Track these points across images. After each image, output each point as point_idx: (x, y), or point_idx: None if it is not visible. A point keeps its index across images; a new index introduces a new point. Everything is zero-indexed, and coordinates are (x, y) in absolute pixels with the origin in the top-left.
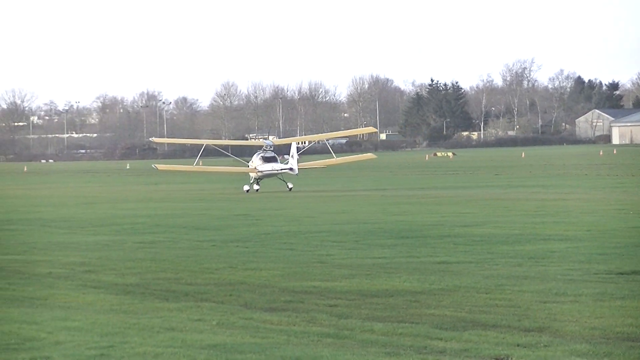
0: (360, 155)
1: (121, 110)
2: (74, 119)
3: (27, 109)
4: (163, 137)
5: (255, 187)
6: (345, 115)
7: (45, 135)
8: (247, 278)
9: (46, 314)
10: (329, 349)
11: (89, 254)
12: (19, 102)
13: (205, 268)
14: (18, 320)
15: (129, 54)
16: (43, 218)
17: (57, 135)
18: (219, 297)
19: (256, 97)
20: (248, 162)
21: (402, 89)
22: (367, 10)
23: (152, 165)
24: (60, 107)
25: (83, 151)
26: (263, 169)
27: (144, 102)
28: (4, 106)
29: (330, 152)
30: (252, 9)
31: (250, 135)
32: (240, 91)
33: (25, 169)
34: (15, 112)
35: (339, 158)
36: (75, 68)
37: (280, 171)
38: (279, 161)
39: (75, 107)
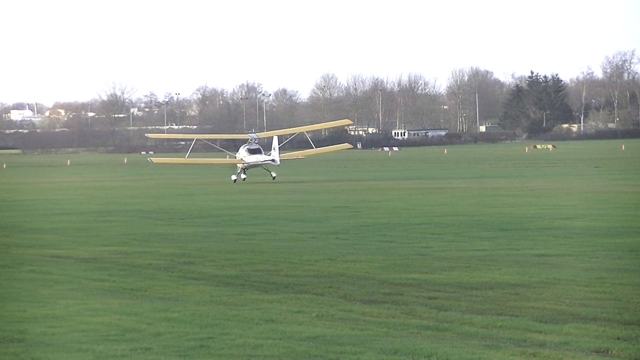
0: (337, 145)
1: (221, 102)
2: (174, 110)
3: (127, 100)
4: (263, 130)
5: (243, 176)
6: (445, 107)
7: (145, 127)
8: (346, 270)
9: (146, 305)
10: (428, 342)
11: (189, 246)
12: (119, 94)
13: (305, 260)
14: (118, 311)
15: (229, 46)
16: (143, 209)
17: (157, 127)
18: (319, 289)
19: (356, 89)
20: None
21: (501, 81)
22: (467, 1)
23: (148, 159)
24: (161, 99)
25: (183, 143)
26: (249, 160)
27: (243, 94)
28: (105, 98)
29: (310, 144)
30: (349, 1)
31: (350, 127)
32: (339, 83)
33: (125, 161)
34: (116, 104)
35: (318, 149)
36: (176, 60)
37: (263, 162)
38: (263, 153)
39: (175, 99)
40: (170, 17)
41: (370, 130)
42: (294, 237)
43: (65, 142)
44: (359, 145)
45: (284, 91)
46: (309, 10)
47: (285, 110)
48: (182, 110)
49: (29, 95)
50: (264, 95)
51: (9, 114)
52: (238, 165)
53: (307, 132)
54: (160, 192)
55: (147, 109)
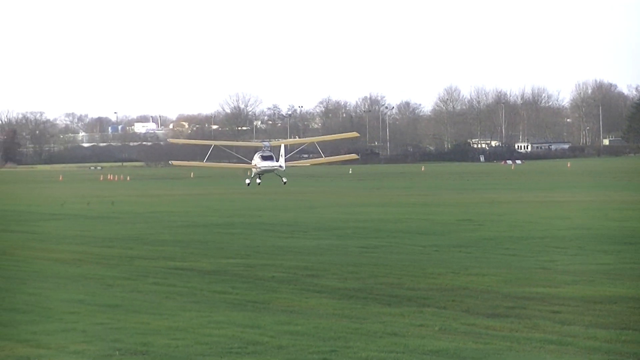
0: (344, 155)
1: (344, 115)
2: (297, 123)
3: (250, 113)
4: (385, 142)
5: (257, 180)
6: (568, 120)
7: (268, 140)
8: (469, 283)
9: (269, 318)
10: (551, 356)
11: (312, 258)
12: (242, 106)
13: (428, 273)
14: (241, 324)
15: (353, 58)
16: (265, 222)
17: (280, 139)
18: (441, 302)
19: (479, 102)
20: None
21: (625, 94)
22: (591, 14)
23: (169, 162)
24: (284, 112)
25: (306, 155)
26: (261, 166)
27: (366, 106)
28: (228, 111)
29: (320, 153)
30: (474, 14)
31: (472, 140)
32: (463, 96)
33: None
34: (239, 116)
35: (327, 158)
36: (299, 72)
37: (273, 167)
38: (274, 159)
39: (298, 111)
40: (293, 30)
41: (493, 143)
42: (417, 250)
43: (189, 155)
44: (481, 159)
45: (407, 104)
46: (433, 22)
47: (408, 123)
48: (305, 123)
49: (153, 107)
50: (387, 108)
51: (132, 127)
52: (252, 170)
53: (318, 142)
54: (283, 204)
55: (270, 122)
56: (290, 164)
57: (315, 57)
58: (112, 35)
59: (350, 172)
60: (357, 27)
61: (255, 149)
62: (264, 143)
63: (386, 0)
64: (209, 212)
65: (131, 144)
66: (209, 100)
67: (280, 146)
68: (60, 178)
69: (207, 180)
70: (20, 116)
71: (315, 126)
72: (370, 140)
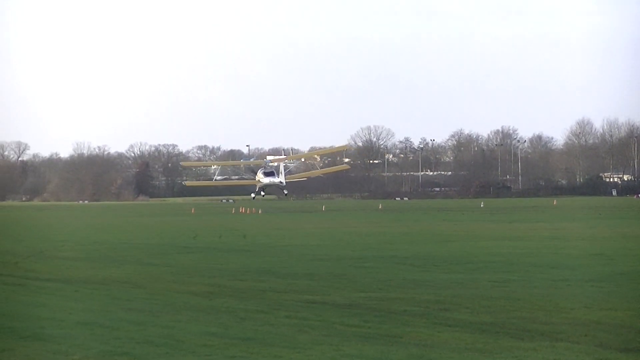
0: (337, 167)
1: (476, 149)
2: (428, 156)
3: (382, 146)
4: (517, 175)
5: (262, 193)
6: None
7: (400, 173)
8: (602, 318)
9: (401, 352)
10: None
11: (443, 292)
12: (374, 139)
13: (560, 307)
14: (373, 357)
15: (486, 91)
16: (398, 255)
17: (411, 172)
18: (574, 337)
19: (611, 135)
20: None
21: None
22: None
23: (183, 183)
24: (416, 145)
25: (437, 189)
26: (264, 181)
27: (498, 140)
28: (360, 144)
29: (316, 166)
30: (606, 45)
31: (605, 174)
32: (595, 129)
33: (380, 207)
34: (371, 149)
35: (318, 170)
36: (432, 105)
37: (274, 183)
38: (275, 175)
39: (430, 145)
40: (425, 63)
41: (625, 177)
42: (550, 284)
43: (321, 187)
44: (614, 193)
45: (539, 137)
46: (564, 55)
47: (541, 156)
48: (437, 156)
49: (285, 140)
50: (518, 141)
51: (265, 160)
52: (256, 185)
53: (317, 155)
54: (415, 238)
55: (402, 155)
56: (290, 177)
57: (447, 90)
58: (242, 68)
59: (482, 205)
60: (488, 60)
61: (258, 167)
62: (266, 161)
63: (516, 33)
64: (341, 245)
65: None
66: (340, 133)
67: (279, 164)
68: (193, 211)
69: (339, 214)
70: (153, 149)
71: (447, 159)
72: (502, 173)
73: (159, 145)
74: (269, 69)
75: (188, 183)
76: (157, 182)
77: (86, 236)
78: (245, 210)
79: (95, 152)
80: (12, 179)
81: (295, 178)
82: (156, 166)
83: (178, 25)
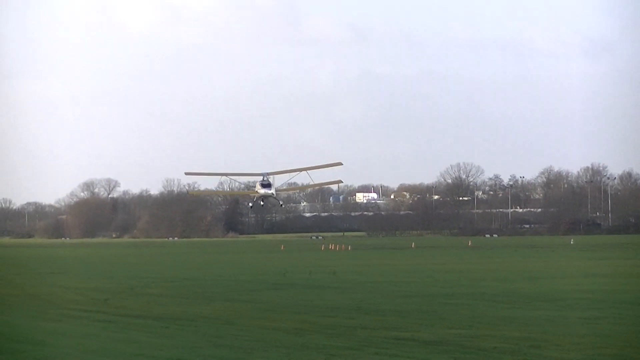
0: (329, 181)
1: (565, 186)
2: (518, 194)
3: (472, 184)
4: (607, 212)
5: (261, 203)
6: None
7: (489, 210)
8: None
9: None
10: None
11: (534, 329)
12: (464, 176)
13: None
14: None
15: (575, 129)
16: (487, 292)
17: (501, 210)
18: None
19: None
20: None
21: None
22: None
23: (188, 193)
24: (505, 182)
25: (527, 226)
26: (261, 192)
27: (588, 177)
28: (449, 181)
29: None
30: None
31: None
32: None
33: (469, 244)
34: (461, 186)
35: (312, 184)
36: (522, 142)
37: (269, 194)
38: (271, 187)
39: (519, 182)
40: (514, 100)
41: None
42: None
43: (410, 224)
44: None
45: (629, 174)
46: None
47: (631, 193)
48: (527, 193)
49: (375, 177)
50: (608, 178)
51: (354, 197)
52: (254, 195)
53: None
54: (504, 275)
55: (491, 192)
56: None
57: (536, 127)
58: (334, 108)
59: (571, 242)
60: (577, 98)
61: (256, 179)
62: (263, 174)
63: (606, 70)
64: (430, 282)
65: (352, 214)
66: (430, 170)
67: (273, 177)
68: (282, 247)
69: (429, 250)
70: (242, 186)
71: (537, 196)
72: (592, 210)
73: (248, 182)
74: (360, 108)
75: (192, 192)
76: (247, 219)
77: (176, 273)
78: (335, 247)
79: (185, 189)
80: (102, 216)
81: (286, 190)
82: (245, 203)
83: (270, 67)
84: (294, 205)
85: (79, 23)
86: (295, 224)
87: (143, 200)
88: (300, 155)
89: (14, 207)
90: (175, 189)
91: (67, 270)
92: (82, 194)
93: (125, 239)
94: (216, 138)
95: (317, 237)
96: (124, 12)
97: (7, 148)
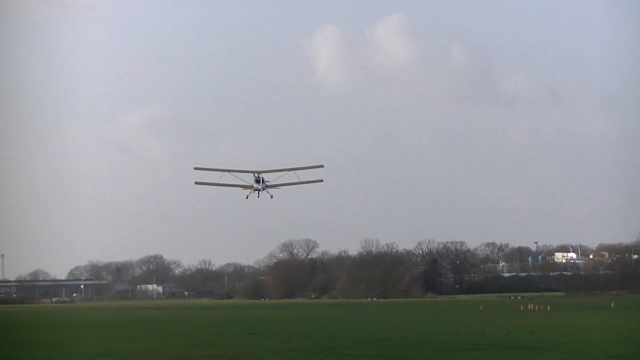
0: (312, 180)
1: None
2: None
3: None
4: None
5: (256, 193)
6: None
7: None
8: None
9: None
10: None
11: None
12: None
13: None
14: None
15: None
16: None
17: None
18: None
19: None
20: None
21: None
22: None
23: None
24: None
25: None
26: (254, 186)
27: None
28: None
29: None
30: None
31: None
32: None
33: None
34: None
35: (296, 182)
36: None
37: (261, 187)
38: (262, 182)
39: None
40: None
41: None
42: None
43: (609, 284)
44: None
45: None
46: None
47: None
48: None
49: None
50: None
51: (552, 256)
52: (250, 189)
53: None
54: None
55: None
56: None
57: None
58: (529, 167)
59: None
60: None
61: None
62: (256, 172)
63: None
64: (632, 342)
65: (551, 273)
66: (629, 230)
67: (263, 175)
68: (481, 307)
69: (629, 310)
70: (440, 246)
71: None
72: None
73: (447, 242)
74: (554, 167)
75: (198, 182)
76: (445, 279)
77: (374, 333)
78: (533, 307)
79: (383, 250)
80: (301, 277)
81: (274, 186)
82: (444, 263)
83: (464, 125)
84: (492, 265)
85: (285, 86)
86: (493, 284)
87: (342, 261)
88: (495, 213)
89: (214, 268)
90: (373, 249)
91: (267, 331)
92: (281, 254)
93: (324, 299)
94: (412, 199)
95: (515, 297)
96: (322, 74)
97: (210, 211)
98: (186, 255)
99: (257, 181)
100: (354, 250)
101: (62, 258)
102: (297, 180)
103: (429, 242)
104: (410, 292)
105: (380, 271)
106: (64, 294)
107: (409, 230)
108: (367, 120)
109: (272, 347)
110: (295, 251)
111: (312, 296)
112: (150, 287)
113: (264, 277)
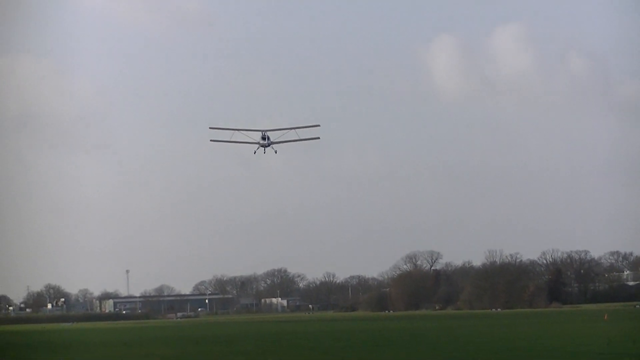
0: (309, 137)
1: None
2: None
3: None
4: None
5: (262, 150)
6: None
7: None
8: None
9: None
10: None
11: None
12: None
13: None
14: None
15: None
16: None
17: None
18: None
19: None
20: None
21: None
22: None
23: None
24: None
25: None
26: (261, 142)
27: None
28: None
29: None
30: None
31: None
32: None
33: None
34: None
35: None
36: None
37: (266, 144)
38: (267, 139)
39: None
40: None
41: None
42: None
43: None
44: None
45: None
46: None
47: None
48: None
49: None
50: None
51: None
52: (258, 144)
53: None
54: None
55: None
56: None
57: None
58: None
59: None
60: None
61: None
62: (263, 130)
63: None
64: None
65: None
66: None
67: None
68: (605, 317)
69: None
70: (565, 255)
71: None
72: None
73: (571, 251)
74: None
75: (212, 140)
76: (570, 289)
77: (500, 344)
78: None
79: (507, 260)
80: (425, 288)
81: (277, 143)
82: (568, 272)
83: (582, 135)
84: (617, 274)
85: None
86: (619, 293)
87: (465, 272)
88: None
89: (338, 281)
90: (497, 259)
91: (392, 343)
92: (404, 266)
93: (449, 310)
94: (535, 208)
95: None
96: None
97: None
98: (310, 269)
99: (263, 138)
100: (477, 260)
101: (187, 273)
102: (297, 138)
103: (552, 251)
104: (534, 302)
105: (504, 281)
106: (188, 308)
107: (533, 240)
108: (485, 127)
109: (397, 359)
110: (419, 262)
111: (437, 307)
112: (274, 300)
113: (388, 289)
